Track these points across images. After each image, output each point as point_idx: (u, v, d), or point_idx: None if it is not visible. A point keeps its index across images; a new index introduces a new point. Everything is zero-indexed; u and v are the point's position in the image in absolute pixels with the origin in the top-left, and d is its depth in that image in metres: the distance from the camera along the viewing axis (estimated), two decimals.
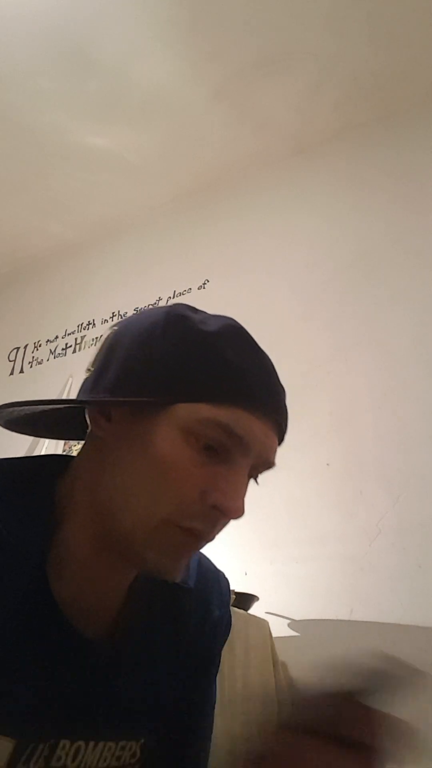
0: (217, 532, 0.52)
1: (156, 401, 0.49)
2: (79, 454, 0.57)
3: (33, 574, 0.49)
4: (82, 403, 0.53)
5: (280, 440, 0.55)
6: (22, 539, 0.49)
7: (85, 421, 0.55)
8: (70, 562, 0.51)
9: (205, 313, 0.56)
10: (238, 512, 0.49)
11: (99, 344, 0.57)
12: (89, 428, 0.54)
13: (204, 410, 0.48)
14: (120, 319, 0.58)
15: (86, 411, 0.54)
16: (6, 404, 0.52)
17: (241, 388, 0.50)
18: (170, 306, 0.55)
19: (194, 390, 0.49)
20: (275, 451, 0.53)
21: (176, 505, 0.48)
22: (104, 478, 0.51)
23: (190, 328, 0.52)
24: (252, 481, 0.54)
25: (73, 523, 0.52)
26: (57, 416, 0.58)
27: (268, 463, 0.53)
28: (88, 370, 0.56)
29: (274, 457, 0.53)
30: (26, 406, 0.52)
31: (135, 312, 2.72)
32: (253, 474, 0.54)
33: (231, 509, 0.49)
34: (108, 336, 0.56)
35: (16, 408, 0.52)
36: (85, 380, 0.55)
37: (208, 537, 0.51)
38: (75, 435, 0.61)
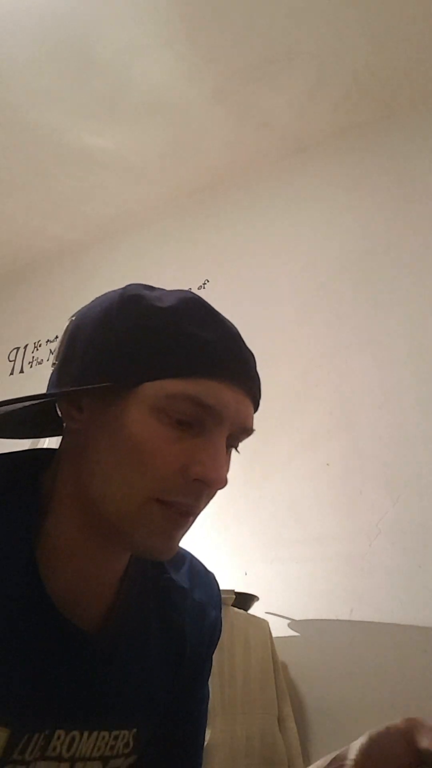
0: (204, 505, 0.52)
1: (121, 384, 0.49)
2: (59, 447, 0.57)
3: (24, 569, 0.49)
4: (49, 397, 0.52)
5: (256, 406, 0.54)
6: (10, 535, 0.49)
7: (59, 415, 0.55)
8: (60, 555, 0.52)
9: (162, 289, 0.56)
10: (220, 482, 0.49)
11: (60, 337, 0.56)
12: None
13: (170, 385, 0.48)
14: (79, 310, 0.59)
15: (57, 404, 0.53)
16: None
17: (205, 358, 0.49)
18: (124, 287, 0.55)
19: (157, 367, 0.49)
20: (251, 416, 0.53)
21: (157, 482, 0.48)
22: (84, 467, 0.51)
23: (146, 306, 0.51)
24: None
25: (59, 516, 0.52)
26: (35, 414, 0.58)
27: (245, 430, 0.53)
28: (53, 364, 0.56)
29: (251, 423, 0.53)
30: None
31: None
32: (233, 443, 0.53)
33: (214, 479, 0.49)
34: (67, 327, 0.56)
35: None
36: (51, 374, 0.55)
37: (195, 511, 0.51)
38: (54, 431, 0.61)
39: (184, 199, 2.85)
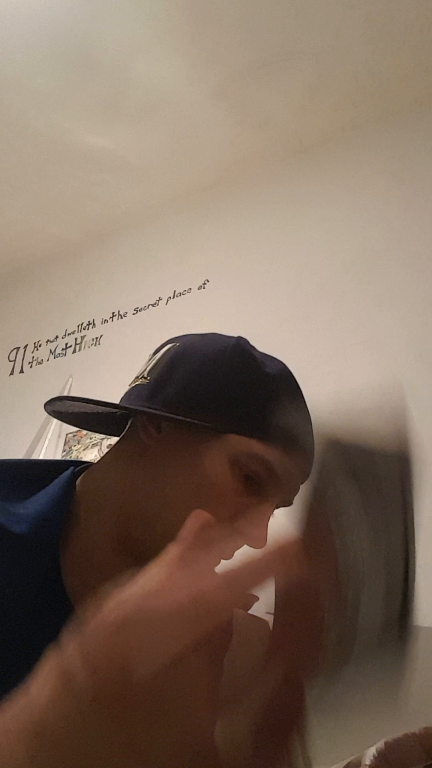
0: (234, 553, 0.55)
1: (214, 426, 0.53)
2: (112, 454, 0.59)
3: (47, 569, 0.50)
4: (135, 410, 0.56)
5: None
6: (39, 535, 0.50)
7: (122, 422, 0.59)
8: (86, 559, 0.53)
9: (259, 351, 0.60)
10: (261, 542, 0.52)
11: (156, 356, 0.59)
12: (125, 431, 0.58)
13: (255, 446, 0.52)
14: (181, 336, 0.61)
15: (137, 418, 0.57)
16: (63, 397, 0.56)
17: (291, 434, 0.54)
18: (236, 338, 0.59)
19: (250, 425, 0.53)
20: (297, 495, 0.57)
21: None
22: (142, 482, 0.54)
23: (255, 367, 0.56)
24: None
25: (95, 522, 0.54)
26: (98, 413, 0.62)
27: (289, 504, 0.57)
28: (144, 378, 0.58)
29: (293, 501, 0.57)
30: (86, 402, 0.56)
31: (134, 312, 2.73)
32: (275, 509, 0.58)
33: (256, 538, 0.52)
34: (168, 350, 0.58)
35: (71, 401, 0.56)
36: (138, 387, 0.58)
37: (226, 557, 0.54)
38: (105, 430, 0.65)
39: (184, 199, 2.85)
